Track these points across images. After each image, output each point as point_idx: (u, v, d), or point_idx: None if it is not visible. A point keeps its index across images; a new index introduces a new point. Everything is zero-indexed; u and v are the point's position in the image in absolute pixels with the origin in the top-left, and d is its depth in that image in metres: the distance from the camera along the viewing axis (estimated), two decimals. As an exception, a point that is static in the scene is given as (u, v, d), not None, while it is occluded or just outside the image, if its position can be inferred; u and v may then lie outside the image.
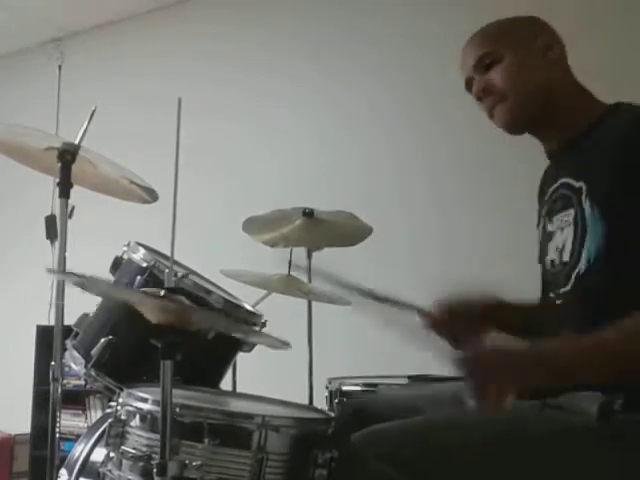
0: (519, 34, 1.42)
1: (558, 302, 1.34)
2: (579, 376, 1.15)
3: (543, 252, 1.43)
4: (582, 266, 1.26)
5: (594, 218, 1.25)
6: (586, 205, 1.27)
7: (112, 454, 1.39)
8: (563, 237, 1.33)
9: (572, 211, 1.31)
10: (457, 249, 2.92)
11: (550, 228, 1.40)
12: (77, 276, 1.19)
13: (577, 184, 1.30)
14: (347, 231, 2.55)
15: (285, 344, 1.25)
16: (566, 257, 1.31)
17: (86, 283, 1.28)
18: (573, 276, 1.28)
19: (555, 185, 1.39)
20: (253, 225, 2.51)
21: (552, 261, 1.37)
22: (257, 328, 2.01)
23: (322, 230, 2.50)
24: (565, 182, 1.35)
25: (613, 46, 2.64)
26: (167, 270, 1.37)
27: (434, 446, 1.17)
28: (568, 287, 1.29)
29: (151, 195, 2.01)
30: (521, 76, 1.37)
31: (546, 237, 1.42)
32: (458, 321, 1.48)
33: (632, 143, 1.23)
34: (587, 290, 1.25)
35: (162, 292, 1.22)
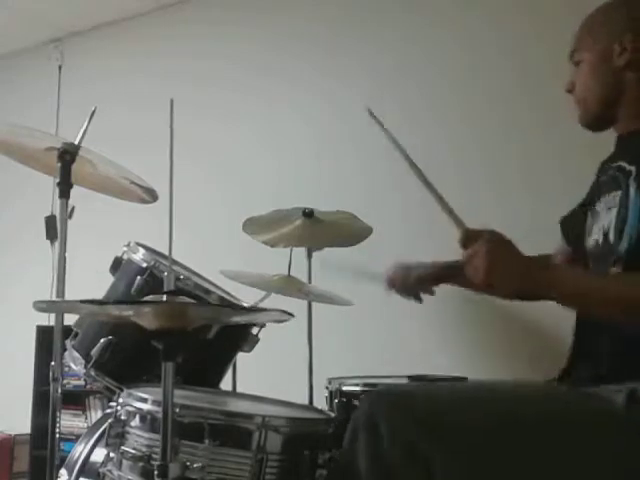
0: (604, 33, 1.45)
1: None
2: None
3: (585, 233, 1.46)
4: (624, 245, 1.30)
5: (636, 200, 1.29)
6: (632, 187, 1.31)
7: (112, 454, 1.39)
8: (609, 217, 1.36)
9: (619, 192, 1.34)
10: (457, 250, 2.91)
11: (597, 208, 1.43)
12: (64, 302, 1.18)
13: (629, 167, 1.34)
14: (347, 231, 2.55)
15: (288, 314, 1.24)
16: (611, 237, 1.34)
17: (76, 309, 1.28)
18: (622, 256, 1.30)
19: (609, 167, 1.43)
20: (253, 225, 2.50)
21: (596, 241, 1.39)
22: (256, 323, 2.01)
23: (322, 230, 2.50)
24: (619, 165, 1.39)
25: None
26: (166, 273, 1.37)
27: (476, 417, 1.16)
28: (619, 268, 1.30)
29: (151, 195, 2.01)
30: (593, 83, 1.45)
31: (592, 218, 1.44)
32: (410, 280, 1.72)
33: None
34: (631, 270, 1.28)
35: (157, 301, 1.21)
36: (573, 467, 1.17)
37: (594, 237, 1.40)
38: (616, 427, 1.19)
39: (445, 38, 3.01)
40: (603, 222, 1.38)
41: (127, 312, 1.26)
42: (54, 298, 1.87)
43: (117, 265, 1.96)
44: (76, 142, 1.82)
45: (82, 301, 1.14)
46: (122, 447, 1.37)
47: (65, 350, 1.89)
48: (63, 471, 1.76)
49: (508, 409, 1.20)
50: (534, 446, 1.15)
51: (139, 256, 1.90)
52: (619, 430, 1.18)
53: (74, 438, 2.68)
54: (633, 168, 1.32)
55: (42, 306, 1.19)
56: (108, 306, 1.33)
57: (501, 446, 1.16)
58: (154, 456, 1.30)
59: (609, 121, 1.46)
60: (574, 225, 1.56)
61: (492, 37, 2.86)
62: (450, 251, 2.94)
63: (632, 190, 1.30)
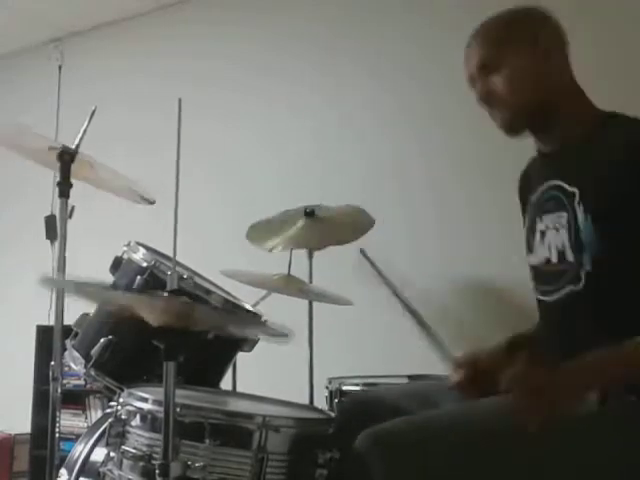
0: (521, 36, 1.43)
1: (550, 299, 1.39)
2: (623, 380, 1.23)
3: (529, 248, 1.48)
4: (588, 267, 1.31)
5: (587, 223, 1.31)
6: (579, 210, 1.32)
7: (112, 454, 1.39)
8: (560, 238, 1.37)
9: (564, 214, 1.35)
10: (458, 246, 2.92)
11: (540, 227, 1.44)
12: (73, 283, 1.18)
13: (570, 189, 1.35)
14: (349, 226, 2.53)
15: (285, 335, 1.25)
16: (570, 257, 1.34)
17: (82, 289, 1.27)
18: (583, 275, 1.32)
19: (547, 185, 1.43)
20: (256, 232, 2.49)
21: (547, 259, 1.41)
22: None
23: (324, 228, 2.49)
24: (558, 184, 1.39)
25: (612, 42, 2.64)
26: (170, 272, 1.37)
27: (450, 449, 1.18)
28: (580, 286, 1.32)
29: (147, 201, 2.01)
30: (521, 84, 1.40)
31: (534, 234, 1.45)
32: (486, 380, 1.40)
33: (631, 159, 1.27)
34: (597, 290, 1.30)
35: (165, 294, 1.22)
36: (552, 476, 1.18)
37: (543, 254, 1.42)
38: (593, 426, 1.20)
39: (445, 38, 3.01)
40: (554, 241, 1.38)
41: (136, 302, 1.26)
42: (53, 298, 1.87)
43: (117, 265, 1.96)
44: (76, 142, 1.82)
45: (92, 283, 1.14)
46: (122, 447, 1.36)
47: (65, 350, 1.89)
48: (63, 471, 1.76)
49: (494, 426, 1.20)
50: (517, 459, 1.18)
51: (139, 256, 1.90)
52: (593, 430, 1.19)
53: (74, 438, 2.67)
54: (576, 190, 1.33)
55: (49, 282, 1.18)
56: (117, 293, 1.32)
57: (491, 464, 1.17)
58: (154, 456, 1.30)
59: (535, 126, 1.43)
60: None
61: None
62: (450, 248, 2.95)
63: (580, 214, 1.31)
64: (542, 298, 1.43)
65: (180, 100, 1.38)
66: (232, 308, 1.90)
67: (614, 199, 1.27)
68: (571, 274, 1.33)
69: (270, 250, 2.44)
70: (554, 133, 1.42)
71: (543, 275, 1.42)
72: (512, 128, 1.44)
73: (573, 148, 1.38)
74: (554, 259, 1.38)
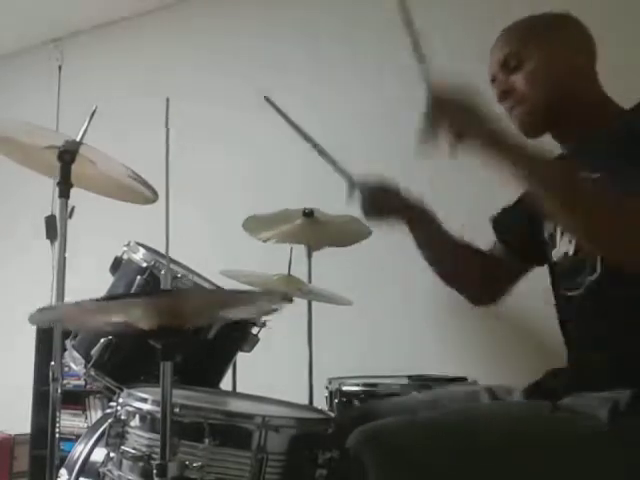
0: (548, 37, 1.43)
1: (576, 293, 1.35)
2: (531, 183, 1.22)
3: (553, 243, 1.45)
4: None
5: None
6: None
7: (112, 454, 1.39)
8: None
9: None
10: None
11: None
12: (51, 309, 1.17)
13: (594, 176, 1.31)
14: (347, 231, 2.54)
15: (288, 298, 1.24)
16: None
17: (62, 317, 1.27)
18: (598, 264, 1.28)
19: None
20: (253, 223, 2.50)
21: (565, 253, 1.38)
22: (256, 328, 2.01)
23: (322, 230, 2.50)
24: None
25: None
26: (163, 271, 1.37)
27: (444, 447, 1.17)
28: (595, 275, 1.29)
29: (152, 192, 1.99)
30: (543, 84, 1.40)
31: (557, 229, 1.42)
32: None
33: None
34: (612, 278, 1.26)
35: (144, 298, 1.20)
36: None
37: (563, 249, 1.39)
38: (602, 446, 1.17)
39: (449, 38, 3.01)
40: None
41: (119, 315, 1.25)
42: (52, 303, 1.86)
43: (117, 265, 1.96)
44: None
45: (71, 304, 1.13)
46: (122, 447, 1.36)
47: (65, 350, 1.89)
48: (63, 471, 1.76)
49: (491, 436, 1.18)
50: (519, 472, 1.15)
51: (139, 256, 1.90)
52: (605, 449, 1.17)
53: (74, 438, 2.67)
54: (599, 176, 1.28)
55: (37, 319, 1.17)
56: (100, 309, 1.30)
57: (486, 475, 1.16)
58: (154, 456, 1.29)
59: (553, 124, 1.42)
60: (510, 224, 1.63)
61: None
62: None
63: None
64: (567, 294, 1.39)
65: (168, 99, 1.39)
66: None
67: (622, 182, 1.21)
68: (589, 264, 1.30)
69: (265, 241, 2.44)
70: (572, 130, 1.41)
71: (564, 271, 1.40)
72: (530, 126, 1.42)
73: (595, 137, 1.36)
74: (571, 252, 1.36)
